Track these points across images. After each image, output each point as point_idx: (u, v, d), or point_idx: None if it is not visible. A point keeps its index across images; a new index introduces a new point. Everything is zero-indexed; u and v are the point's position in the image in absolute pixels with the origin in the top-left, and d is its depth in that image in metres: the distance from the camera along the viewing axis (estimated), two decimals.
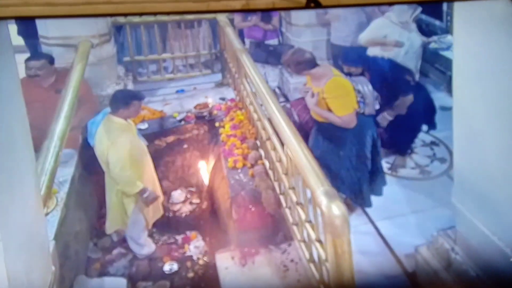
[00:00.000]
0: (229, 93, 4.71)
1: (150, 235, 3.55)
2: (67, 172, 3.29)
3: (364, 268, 2.52)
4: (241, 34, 4.99)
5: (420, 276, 2.50)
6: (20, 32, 5.32)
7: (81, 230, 3.32)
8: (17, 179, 1.59)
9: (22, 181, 1.63)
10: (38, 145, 2.60)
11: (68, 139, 2.90)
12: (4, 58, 1.50)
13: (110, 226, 3.25)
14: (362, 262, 2.46)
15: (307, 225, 2.31)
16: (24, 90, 1.67)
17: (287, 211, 2.71)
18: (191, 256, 3.49)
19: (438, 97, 4.69)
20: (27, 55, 3.99)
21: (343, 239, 1.85)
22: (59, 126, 2.85)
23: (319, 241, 2.17)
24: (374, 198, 3.14)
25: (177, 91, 5.08)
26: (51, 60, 3.76)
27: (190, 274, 3.29)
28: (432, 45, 5.00)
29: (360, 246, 2.65)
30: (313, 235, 2.23)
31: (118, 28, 5.18)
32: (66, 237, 2.94)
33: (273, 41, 4.99)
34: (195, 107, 4.26)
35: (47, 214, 2.79)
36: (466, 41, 1.93)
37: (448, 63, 4.60)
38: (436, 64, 5.02)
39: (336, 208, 1.86)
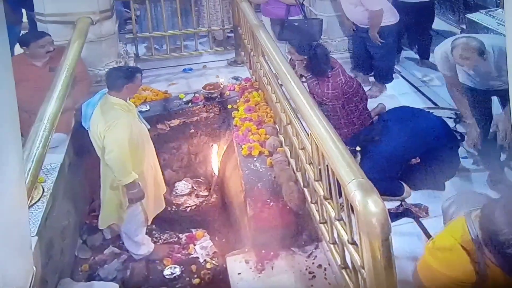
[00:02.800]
0: (244, 72, 4.58)
1: (149, 233, 3.42)
2: (56, 159, 3.24)
3: (410, 277, 2.27)
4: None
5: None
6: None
7: (69, 225, 3.19)
8: None
9: (5, 168, 1.58)
10: (26, 129, 2.58)
11: (59, 122, 2.89)
12: None
13: (104, 221, 3.12)
14: (406, 269, 2.22)
15: (338, 224, 2.16)
16: (14, 68, 1.64)
17: (313, 207, 2.56)
18: (197, 258, 3.36)
19: None
20: None
21: (382, 241, 1.70)
22: (51, 108, 2.83)
23: (353, 244, 2.01)
24: (417, 194, 2.98)
25: (184, 70, 4.99)
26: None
27: (196, 280, 3.14)
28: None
29: (404, 250, 2.44)
30: (345, 236, 2.07)
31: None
32: (51, 233, 2.82)
33: (297, 17, 4.85)
34: (204, 87, 4.14)
35: (31, 206, 2.73)
36: None
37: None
38: None
39: (373, 204, 1.72)
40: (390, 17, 4.15)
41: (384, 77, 4.28)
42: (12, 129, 1.68)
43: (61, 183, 3.12)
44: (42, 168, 2.70)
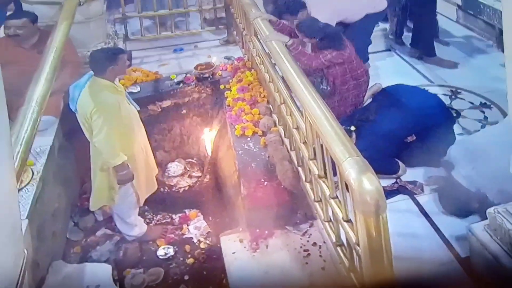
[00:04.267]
0: (236, 52, 4.54)
1: (142, 214, 3.41)
2: (45, 142, 3.21)
3: (405, 253, 2.27)
4: None
5: (475, 262, 2.28)
6: None
7: (59, 208, 3.17)
8: None
9: None
10: (14, 112, 2.54)
11: (48, 104, 2.85)
12: None
13: (95, 203, 3.09)
14: (402, 246, 2.21)
15: (333, 202, 2.14)
16: (1, 50, 1.57)
17: (307, 185, 2.54)
18: (190, 238, 3.35)
19: (486, 54, 4.59)
20: None
21: (377, 218, 1.69)
22: (39, 90, 2.78)
23: (348, 221, 2.00)
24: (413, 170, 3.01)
25: (175, 50, 4.93)
26: (33, 18, 3.76)
27: (190, 260, 3.14)
28: None
29: (399, 227, 2.42)
30: (340, 214, 2.06)
31: None
32: (41, 216, 2.80)
33: None
34: (195, 68, 4.10)
35: (20, 189, 2.71)
36: None
37: (496, 14, 4.44)
38: (482, 16, 4.82)
39: (368, 182, 1.70)
40: (378, 5, 4.07)
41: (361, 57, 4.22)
42: (0, 112, 1.65)
43: (50, 166, 3.09)
44: (31, 151, 2.67)
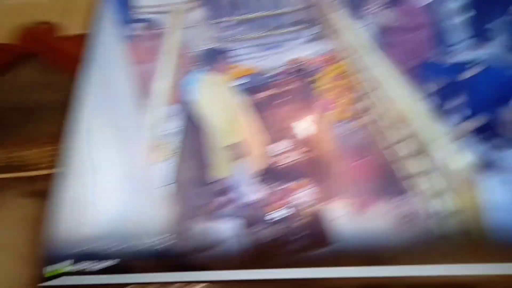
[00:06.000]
0: (327, 46, 4.64)
1: (256, 183, 3.68)
2: (174, 125, 3.50)
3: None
4: None
5: None
6: None
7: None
8: None
9: None
10: None
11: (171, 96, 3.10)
12: None
13: (216, 174, 3.39)
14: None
15: (428, 177, 2.11)
16: None
17: (402, 163, 2.65)
18: (300, 204, 3.53)
19: None
20: None
21: (472, 193, 1.57)
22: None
23: (443, 194, 2.06)
24: None
25: (266, 49, 5.13)
26: None
27: (298, 223, 3.33)
28: None
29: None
30: (435, 187, 2.02)
31: None
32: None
33: None
34: (288, 62, 4.28)
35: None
36: None
37: None
38: None
39: (461, 158, 1.54)
40: None
41: None
42: None
43: (182, 144, 3.37)
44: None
